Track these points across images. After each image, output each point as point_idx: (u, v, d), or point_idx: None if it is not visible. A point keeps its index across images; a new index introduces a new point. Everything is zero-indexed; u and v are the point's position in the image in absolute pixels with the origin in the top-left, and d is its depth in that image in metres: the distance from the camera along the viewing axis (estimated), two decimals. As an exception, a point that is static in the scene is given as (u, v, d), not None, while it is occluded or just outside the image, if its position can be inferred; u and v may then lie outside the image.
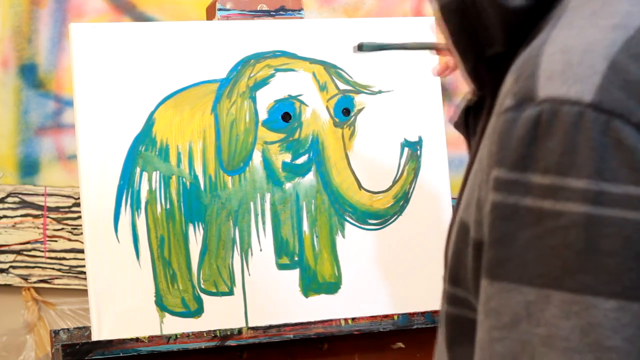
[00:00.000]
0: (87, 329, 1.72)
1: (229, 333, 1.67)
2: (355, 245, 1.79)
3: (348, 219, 1.80)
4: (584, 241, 0.65)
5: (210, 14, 1.85)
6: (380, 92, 1.83)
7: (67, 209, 1.99)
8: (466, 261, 0.74)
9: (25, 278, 1.99)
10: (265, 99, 1.77)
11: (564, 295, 0.65)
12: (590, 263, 0.65)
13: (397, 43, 1.70)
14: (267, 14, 1.83)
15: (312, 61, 1.80)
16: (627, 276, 0.65)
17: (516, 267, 0.67)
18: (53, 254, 1.99)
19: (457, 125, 0.86)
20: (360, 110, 1.82)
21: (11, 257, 1.98)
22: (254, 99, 1.76)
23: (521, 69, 0.70)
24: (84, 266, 1.88)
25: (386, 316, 1.75)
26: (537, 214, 0.66)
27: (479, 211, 0.71)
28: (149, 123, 1.71)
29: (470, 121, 0.84)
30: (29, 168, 1.98)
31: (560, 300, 0.65)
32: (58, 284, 2.00)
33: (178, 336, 1.65)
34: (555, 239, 0.66)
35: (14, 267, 1.98)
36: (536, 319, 0.66)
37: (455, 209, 0.81)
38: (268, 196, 1.75)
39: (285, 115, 1.78)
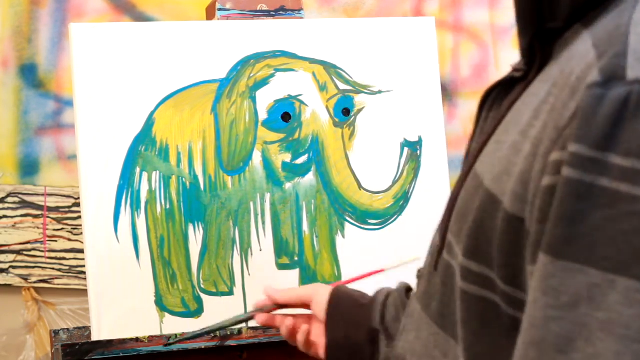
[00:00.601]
0: (87, 329, 1.72)
1: (229, 333, 1.67)
2: (355, 245, 1.79)
3: (348, 219, 1.79)
4: None
5: (210, 14, 1.85)
6: (380, 92, 1.83)
7: (67, 209, 1.99)
8: (491, 234, 0.73)
9: (25, 278, 1.99)
10: (265, 99, 1.77)
11: (630, 282, 0.64)
12: None
13: (216, 325, 1.36)
14: (267, 14, 1.83)
15: (312, 61, 1.80)
16: None
17: (584, 248, 0.66)
18: (53, 254, 1.99)
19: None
20: (360, 110, 1.82)
21: (11, 257, 1.98)
22: (253, 99, 1.76)
23: (607, 44, 0.69)
24: (84, 266, 1.88)
25: (386, 316, 1.75)
26: (613, 196, 0.65)
27: (523, 185, 0.70)
28: (149, 123, 1.71)
29: (494, 94, 0.84)
30: (29, 168, 1.98)
31: (625, 286, 0.64)
32: (58, 284, 2.00)
33: (178, 336, 1.65)
34: (629, 223, 0.65)
35: (14, 267, 1.98)
36: (597, 302, 0.65)
37: (463, 179, 0.80)
38: (268, 196, 1.75)
39: (285, 115, 1.78)
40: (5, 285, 1.98)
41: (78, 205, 1.95)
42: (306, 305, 1.20)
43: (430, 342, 0.84)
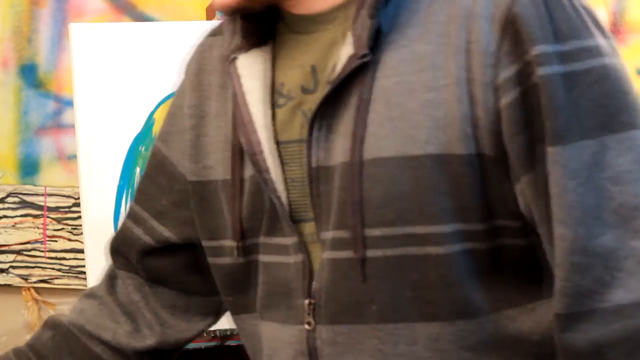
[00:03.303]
0: (87, 329, 1.72)
1: (229, 333, 1.67)
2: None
3: (348, 219, 1.79)
4: (614, 87, 0.78)
5: (210, 14, 1.85)
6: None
7: (67, 209, 1.99)
8: (451, 189, 0.79)
9: (25, 278, 1.99)
10: (265, 99, 1.77)
11: (615, 137, 0.77)
12: (625, 103, 0.78)
13: None
14: (267, 14, 1.83)
15: (312, 61, 1.80)
16: None
17: (576, 127, 0.77)
18: (53, 254, 1.99)
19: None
20: (360, 110, 1.82)
21: (11, 257, 1.98)
22: (254, 99, 1.76)
23: None
24: (84, 266, 1.88)
25: (386, 316, 1.75)
26: (581, 74, 0.77)
27: (471, 123, 0.78)
28: (149, 123, 1.71)
29: (319, 115, 0.84)
30: (29, 168, 1.98)
31: (613, 141, 0.77)
32: (58, 284, 2.00)
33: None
34: (595, 90, 0.77)
35: (14, 267, 1.98)
36: (601, 164, 0.75)
37: (350, 175, 0.81)
38: (268, 196, 1.75)
39: (285, 115, 1.78)
40: (5, 285, 1.98)
41: (78, 205, 1.95)
42: None
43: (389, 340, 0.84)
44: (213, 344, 1.66)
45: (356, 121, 0.81)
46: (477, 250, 0.80)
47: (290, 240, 0.87)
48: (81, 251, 1.97)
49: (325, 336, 0.85)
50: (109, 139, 1.68)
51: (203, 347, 1.66)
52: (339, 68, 0.82)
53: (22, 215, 1.98)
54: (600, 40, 0.79)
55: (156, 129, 1.71)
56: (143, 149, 1.70)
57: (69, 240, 1.99)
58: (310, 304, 0.86)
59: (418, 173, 0.79)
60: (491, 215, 0.79)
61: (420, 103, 0.79)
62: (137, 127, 1.70)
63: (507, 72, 0.77)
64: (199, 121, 0.96)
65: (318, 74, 0.86)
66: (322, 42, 0.86)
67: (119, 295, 1.04)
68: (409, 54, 0.80)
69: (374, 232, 0.81)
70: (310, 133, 0.84)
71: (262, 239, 0.90)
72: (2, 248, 1.97)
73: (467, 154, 0.78)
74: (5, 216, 1.98)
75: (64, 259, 2.00)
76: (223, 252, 0.93)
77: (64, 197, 1.99)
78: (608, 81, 0.78)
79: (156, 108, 1.71)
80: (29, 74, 1.98)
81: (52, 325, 1.08)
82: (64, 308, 2.01)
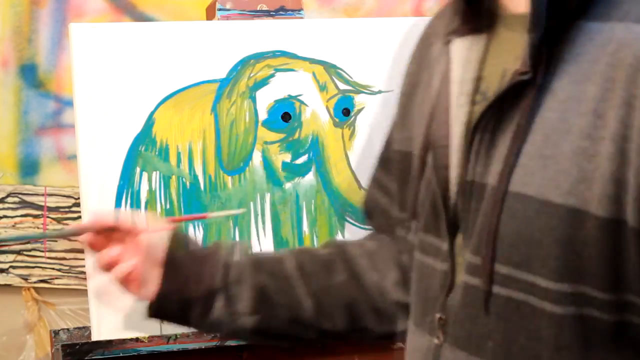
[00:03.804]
0: (87, 329, 1.72)
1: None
2: (355, 245, 1.79)
3: (348, 219, 1.79)
4: None
5: (210, 14, 1.85)
6: (380, 92, 1.83)
7: (67, 209, 1.99)
8: (582, 248, 0.71)
9: (25, 278, 1.98)
10: (265, 99, 1.77)
11: None
12: None
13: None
14: (267, 14, 1.83)
15: (312, 61, 1.80)
16: None
17: None
18: (53, 254, 1.99)
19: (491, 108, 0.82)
20: (360, 110, 1.82)
21: (11, 257, 1.98)
22: (253, 99, 1.76)
23: None
24: (84, 266, 1.88)
25: (386, 316, 1.75)
26: None
27: (616, 185, 0.69)
28: (149, 123, 1.71)
29: (484, 121, 0.81)
30: (29, 168, 1.98)
31: None
32: (58, 284, 2.00)
33: (178, 336, 1.65)
34: None
35: (14, 267, 1.98)
36: None
37: (494, 205, 0.77)
38: (268, 196, 1.75)
39: (285, 115, 1.78)
40: (5, 285, 1.98)
41: (78, 205, 1.95)
42: (132, 235, 1.11)
43: None
44: (213, 344, 1.66)
45: (512, 147, 0.76)
46: (596, 319, 0.74)
47: (443, 244, 0.84)
48: (81, 251, 1.97)
49: (449, 356, 0.83)
50: (109, 139, 1.68)
51: (203, 347, 1.66)
52: (503, 82, 0.78)
53: (22, 215, 1.98)
54: None
55: (156, 129, 1.71)
56: (143, 149, 1.70)
57: (69, 240, 1.99)
58: (440, 319, 0.84)
59: (552, 222, 0.73)
60: (620, 288, 0.72)
61: (573, 149, 0.73)
62: (137, 127, 1.70)
63: None
64: (411, 89, 0.95)
65: (501, 79, 0.81)
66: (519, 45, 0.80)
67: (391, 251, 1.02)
68: (578, 91, 0.74)
69: (502, 269, 0.77)
70: (470, 143, 0.80)
71: (420, 235, 0.87)
72: (2, 248, 1.97)
73: (604, 217, 0.71)
74: (5, 216, 1.97)
75: (64, 259, 1.99)
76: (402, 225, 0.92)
77: (64, 197, 1.99)
78: None
79: (156, 108, 1.71)
80: (29, 74, 1.98)
81: (334, 245, 1.07)
82: (64, 308, 2.01)
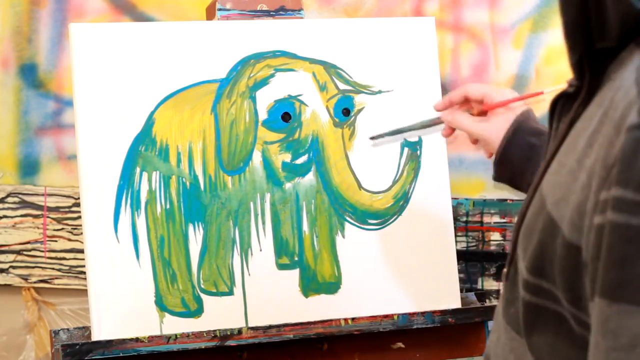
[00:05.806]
0: (87, 329, 1.72)
1: (229, 333, 1.67)
2: (355, 245, 1.79)
3: (348, 219, 1.80)
4: None
5: (210, 14, 1.85)
6: (380, 92, 1.83)
7: (67, 209, 1.99)
8: (553, 257, 0.74)
9: (25, 278, 1.99)
10: (265, 99, 1.77)
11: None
12: None
13: (405, 127, 1.65)
14: (267, 14, 1.83)
15: (312, 61, 1.80)
16: None
17: (637, 290, 0.66)
18: (53, 254, 1.99)
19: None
20: (360, 110, 1.82)
21: (11, 257, 1.98)
22: (253, 99, 1.76)
23: None
24: (84, 266, 1.88)
25: (386, 316, 1.75)
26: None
27: (579, 216, 0.70)
28: (149, 123, 1.71)
29: (557, 109, 0.84)
30: (29, 168, 1.98)
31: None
32: (58, 284, 2.00)
33: (178, 336, 1.65)
34: None
35: (14, 267, 1.98)
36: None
37: (532, 194, 0.80)
38: (268, 196, 1.75)
39: (285, 115, 1.78)
40: (5, 285, 1.98)
41: (78, 205, 1.95)
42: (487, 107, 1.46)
43: (507, 346, 0.83)
44: (213, 344, 1.66)
45: (553, 149, 0.78)
46: (560, 314, 0.75)
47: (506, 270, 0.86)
48: (81, 251, 1.97)
49: (496, 310, 0.88)
50: (109, 139, 1.68)
51: (203, 347, 1.66)
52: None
53: (22, 215, 1.98)
54: None
55: (156, 129, 1.71)
56: (143, 148, 1.70)
57: (69, 240, 1.99)
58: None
59: (540, 225, 0.75)
60: (580, 307, 0.73)
61: (571, 167, 0.73)
62: (137, 127, 1.70)
63: (603, 194, 0.68)
64: None
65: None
66: None
67: None
68: (592, 113, 0.74)
69: (516, 254, 0.81)
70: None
71: None
72: (2, 248, 1.97)
73: (569, 240, 0.72)
74: (5, 216, 1.98)
75: (64, 259, 2.00)
76: None
77: (64, 197, 1.99)
78: None
79: (156, 108, 1.71)
80: (29, 74, 1.98)
81: None
82: (64, 308, 2.01)
